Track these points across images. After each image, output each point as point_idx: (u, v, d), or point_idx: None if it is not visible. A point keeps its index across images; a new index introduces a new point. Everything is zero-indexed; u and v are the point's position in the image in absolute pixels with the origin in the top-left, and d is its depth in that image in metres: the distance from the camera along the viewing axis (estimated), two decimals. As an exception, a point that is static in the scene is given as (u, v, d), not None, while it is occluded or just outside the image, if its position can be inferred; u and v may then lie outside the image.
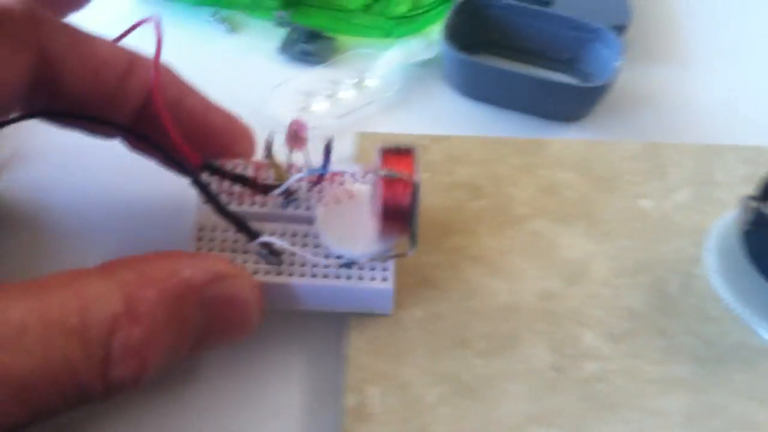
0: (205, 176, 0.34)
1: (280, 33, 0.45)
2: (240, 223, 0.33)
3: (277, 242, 0.32)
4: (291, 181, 0.33)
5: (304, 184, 0.34)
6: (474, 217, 0.38)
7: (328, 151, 0.33)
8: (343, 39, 0.45)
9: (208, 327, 0.30)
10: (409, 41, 0.44)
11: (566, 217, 0.38)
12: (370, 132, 0.40)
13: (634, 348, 0.34)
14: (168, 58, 0.33)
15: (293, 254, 0.33)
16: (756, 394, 0.33)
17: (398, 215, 0.31)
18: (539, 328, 0.34)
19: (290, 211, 0.34)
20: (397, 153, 0.31)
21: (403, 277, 0.35)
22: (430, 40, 0.43)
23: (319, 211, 0.34)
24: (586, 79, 0.43)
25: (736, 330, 0.34)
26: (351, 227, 0.33)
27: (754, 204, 0.33)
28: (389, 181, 0.30)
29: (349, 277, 0.33)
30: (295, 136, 0.32)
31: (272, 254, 0.33)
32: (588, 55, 0.43)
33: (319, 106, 0.42)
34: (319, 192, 0.34)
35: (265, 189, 0.34)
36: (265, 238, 0.32)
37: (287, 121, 0.40)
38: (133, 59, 0.33)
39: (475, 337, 0.34)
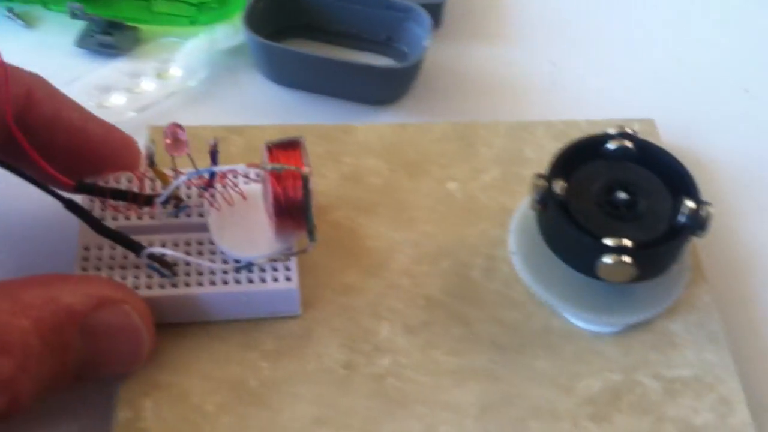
0: (86, 199, 0.32)
1: (80, 26, 0.42)
2: (122, 239, 0.31)
3: (167, 252, 0.30)
4: (172, 186, 0.31)
5: (194, 190, 0.33)
6: (273, 211, 0.36)
7: (213, 152, 0.31)
8: (148, 28, 0.42)
9: (94, 356, 0.28)
10: (216, 28, 0.41)
11: (370, 205, 0.36)
12: (163, 125, 0.38)
13: (430, 339, 0.32)
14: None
15: (187, 264, 0.31)
16: (556, 381, 0.31)
17: (292, 210, 0.29)
18: (334, 324, 0.32)
19: (182, 219, 0.32)
20: (283, 147, 0.30)
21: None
22: (237, 26, 0.41)
23: (212, 216, 0.32)
24: (403, 59, 0.42)
25: (539, 314, 0.33)
26: (247, 229, 0.32)
27: (542, 182, 0.31)
28: (278, 177, 0.29)
29: (251, 281, 0.31)
30: (175, 141, 0.30)
31: (164, 266, 0.31)
32: (403, 35, 0.42)
33: (117, 100, 0.40)
34: (211, 196, 0.32)
35: (149, 200, 0.32)
36: (151, 250, 0.30)
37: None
38: None
39: (263, 339, 0.32)
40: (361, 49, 0.43)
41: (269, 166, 0.29)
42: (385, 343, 0.32)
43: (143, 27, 0.42)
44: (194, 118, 0.39)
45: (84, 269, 0.31)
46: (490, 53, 0.44)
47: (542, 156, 0.37)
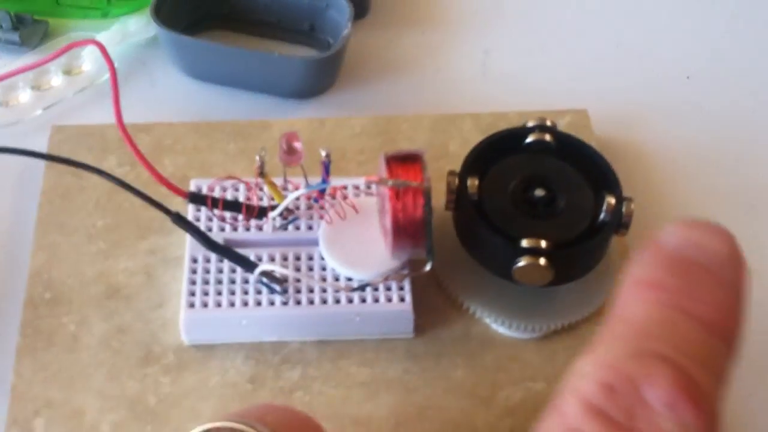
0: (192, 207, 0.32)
1: (-14, 20, 0.40)
2: (233, 256, 0.30)
3: (278, 269, 0.29)
4: (289, 200, 0.30)
5: (303, 202, 0.31)
6: (180, 213, 0.34)
7: (326, 164, 0.29)
8: (56, 22, 0.40)
9: None
10: (129, 20, 0.39)
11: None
12: (67, 124, 0.36)
13: (343, 349, 0.30)
14: None
15: (298, 280, 0.30)
16: (475, 392, 0.30)
17: (411, 228, 0.28)
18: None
19: (291, 232, 0.31)
20: (402, 159, 0.28)
21: (84, 289, 0.31)
22: (150, 17, 0.38)
23: (323, 231, 0.31)
24: (328, 50, 0.39)
25: (458, 320, 0.31)
26: (359, 245, 0.30)
27: (455, 180, 0.29)
28: (397, 192, 0.27)
29: (363, 300, 0.30)
30: (290, 150, 0.29)
31: (275, 282, 0.30)
32: (325, 24, 0.39)
33: (23, 97, 0.38)
34: (321, 209, 0.31)
35: (261, 212, 0.31)
36: (264, 267, 0.29)
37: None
38: None
39: (164, 351, 0.30)
40: (283, 39, 0.41)
41: (389, 182, 0.28)
42: (294, 354, 0.30)
43: (51, 21, 0.40)
44: (103, 115, 0.37)
45: (192, 282, 0.30)
46: (420, 41, 0.41)
47: (468, 151, 0.35)
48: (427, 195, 0.27)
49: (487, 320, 0.31)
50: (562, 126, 0.31)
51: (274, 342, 0.30)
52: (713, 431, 0.17)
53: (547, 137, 0.30)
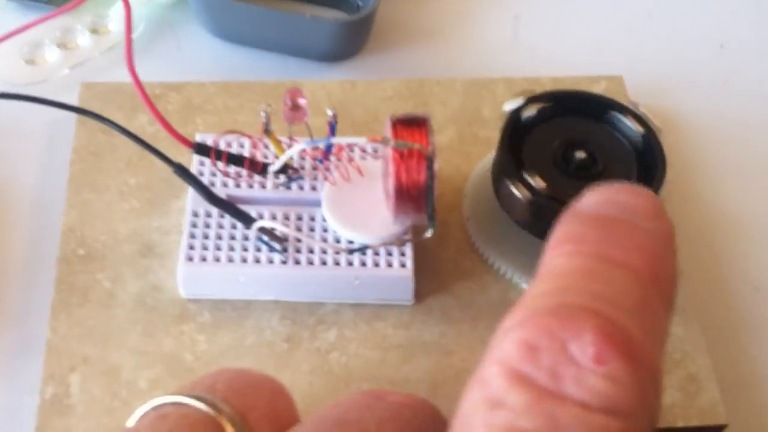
0: (197, 159, 0.31)
1: (10, -23, 0.39)
2: (232, 210, 0.30)
3: (278, 227, 0.29)
4: (287, 155, 0.29)
5: (308, 162, 0.31)
6: (213, 173, 0.33)
7: (332, 123, 0.29)
8: (83, -21, 0.40)
9: None
10: (156, -22, 0.39)
11: (316, 167, 0.34)
12: (97, 81, 0.35)
13: (378, 311, 0.30)
14: None
15: (298, 240, 0.29)
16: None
17: (414, 191, 0.27)
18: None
19: (294, 192, 0.31)
20: (408, 123, 0.28)
21: (118, 246, 0.31)
22: (179, -24, 0.38)
23: (326, 191, 0.30)
24: (357, 12, 0.39)
25: (495, 285, 0.31)
26: (361, 207, 0.30)
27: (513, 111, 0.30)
28: (402, 155, 0.27)
29: (363, 264, 0.29)
30: (294, 106, 0.29)
31: (275, 240, 0.29)
32: (354, -13, 0.39)
33: (50, 56, 0.37)
34: (326, 169, 0.30)
35: (265, 168, 0.30)
36: (262, 223, 0.29)
37: (11, 77, 0.36)
38: None
39: (199, 309, 0.30)
40: (310, 2, 0.40)
41: (393, 142, 0.27)
42: (330, 316, 0.30)
43: (78, -23, 0.40)
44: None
45: (192, 236, 0.30)
46: (450, 6, 0.41)
47: (501, 115, 0.35)
48: (429, 160, 0.27)
49: (524, 285, 0.31)
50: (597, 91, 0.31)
51: (310, 302, 0.30)
52: (654, 389, 0.15)
53: (626, 120, 0.30)
